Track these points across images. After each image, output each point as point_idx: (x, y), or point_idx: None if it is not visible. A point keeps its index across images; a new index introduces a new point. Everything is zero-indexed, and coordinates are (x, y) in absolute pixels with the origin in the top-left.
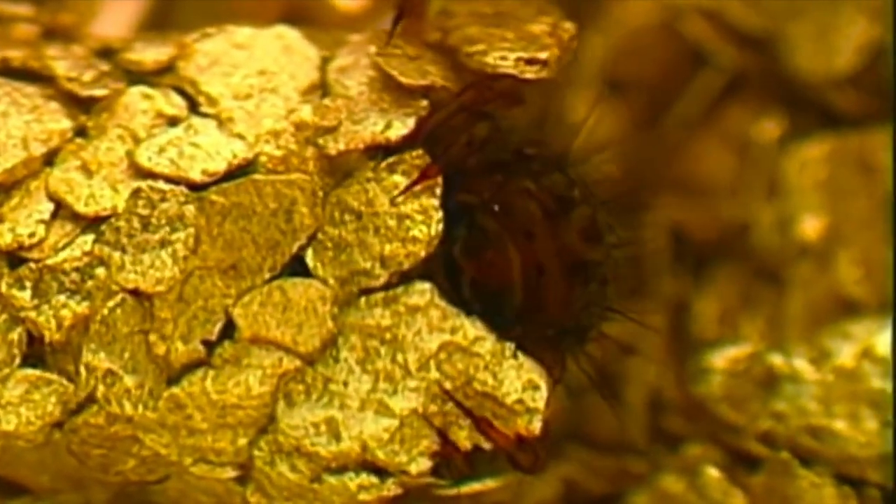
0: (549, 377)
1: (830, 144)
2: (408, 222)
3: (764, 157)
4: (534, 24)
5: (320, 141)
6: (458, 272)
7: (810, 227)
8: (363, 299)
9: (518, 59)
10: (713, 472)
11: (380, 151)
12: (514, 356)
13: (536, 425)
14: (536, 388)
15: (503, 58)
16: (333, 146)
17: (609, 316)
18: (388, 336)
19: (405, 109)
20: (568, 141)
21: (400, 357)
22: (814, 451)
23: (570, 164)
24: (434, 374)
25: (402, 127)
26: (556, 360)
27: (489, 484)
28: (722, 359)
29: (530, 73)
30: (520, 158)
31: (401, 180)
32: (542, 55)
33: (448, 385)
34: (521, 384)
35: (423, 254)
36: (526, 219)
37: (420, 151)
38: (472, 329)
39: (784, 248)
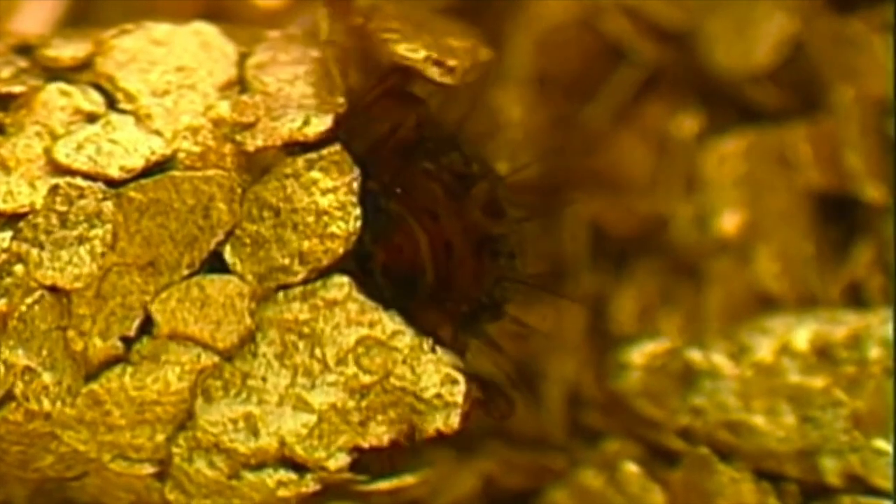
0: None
1: (749, 139)
2: (326, 218)
3: (682, 153)
4: (454, 39)
5: (238, 137)
6: (368, 259)
7: (729, 222)
8: (281, 294)
9: (427, 57)
10: (632, 468)
11: (298, 147)
12: (433, 350)
13: (455, 420)
14: (455, 382)
15: (414, 50)
16: (251, 143)
17: (522, 289)
18: (306, 330)
19: (324, 105)
20: (465, 121)
21: (318, 351)
22: (733, 447)
23: (465, 141)
24: (352, 369)
25: (320, 123)
26: (473, 339)
27: (407, 480)
28: (640, 354)
29: (434, 74)
30: (417, 140)
31: (319, 176)
32: (451, 62)
33: (366, 379)
34: (439, 378)
35: (341, 250)
36: (428, 199)
37: (338, 147)
38: (390, 323)
39: (703, 243)
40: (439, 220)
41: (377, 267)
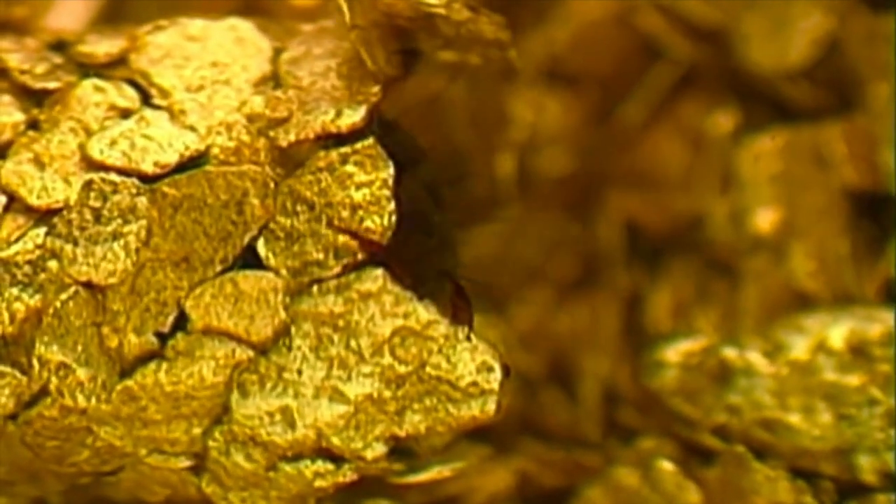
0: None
1: (784, 137)
2: (361, 213)
3: (718, 150)
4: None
5: (272, 133)
6: None
7: (764, 219)
8: (315, 287)
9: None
10: (667, 466)
11: (332, 140)
12: (468, 338)
13: (491, 407)
14: (490, 369)
15: None
16: (284, 137)
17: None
18: (341, 323)
19: (356, 97)
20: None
21: (353, 343)
22: (768, 445)
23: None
24: (388, 360)
25: (353, 115)
26: None
27: (443, 472)
28: (676, 352)
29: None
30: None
31: (353, 170)
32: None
33: (402, 369)
34: (475, 366)
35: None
36: None
37: (372, 141)
38: (424, 313)
39: (738, 241)
40: None
41: None
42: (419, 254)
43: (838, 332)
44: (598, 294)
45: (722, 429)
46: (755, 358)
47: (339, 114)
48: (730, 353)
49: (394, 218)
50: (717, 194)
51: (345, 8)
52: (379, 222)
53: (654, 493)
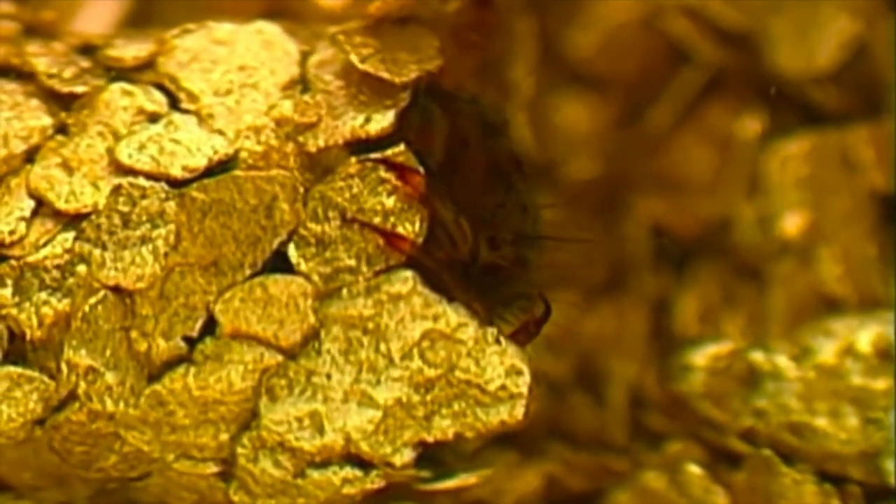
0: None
1: (811, 141)
2: (393, 219)
3: (745, 154)
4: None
5: (300, 138)
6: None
7: (791, 223)
8: (345, 290)
9: None
10: (695, 470)
11: (361, 145)
12: (497, 342)
13: (519, 411)
14: (519, 373)
15: None
16: (314, 143)
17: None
18: (370, 326)
19: (385, 101)
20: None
21: (383, 346)
22: (795, 449)
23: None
24: (417, 363)
25: (382, 120)
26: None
27: (470, 479)
28: (703, 356)
29: None
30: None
31: (385, 176)
32: None
33: (431, 373)
34: (503, 370)
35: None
36: (465, 125)
37: (403, 147)
38: (454, 316)
39: (765, 245)
40: (466, 133)
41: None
42: (500, 216)
43: (865, 336)
44: (625, 298)
45: (749, 432)
46: (782, 362)
47: (367, 119)
48: (757, 356)
49: (425, 224)
50: (744, 198)
51: None
52: (411, 229)
53: (681, 496)
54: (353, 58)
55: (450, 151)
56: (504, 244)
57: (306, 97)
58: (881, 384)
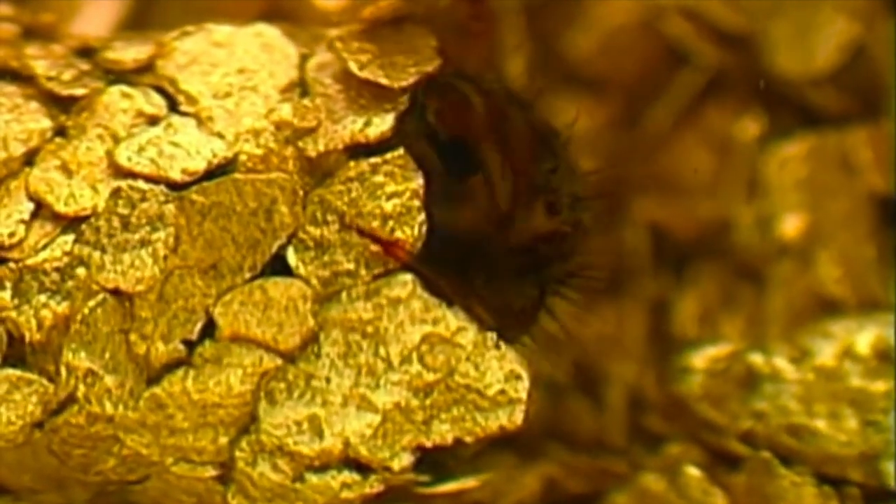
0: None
1: (810, 143)
2: (391, 223)
3: (744, 156)
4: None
5: (300, 143)
6: (421, 109)
7: (790, 225)
8: (344, 293)
9: None
10: (693, 472)
11: (361, 150)
12: (497, 346)
13: (519, 416)
14: (519, 377)
15: None
16: (313, 147)
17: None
18: (370, 329)
19: (384, 105)
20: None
21: (382, 350)
22: (794, 451)
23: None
24: (416, 367)
25: (381, 123)
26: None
27: (469, 483)
28: (702, 358)
29: None
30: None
31: (384, 181)
32: None
33: (430, 377)
34: (503, 374)
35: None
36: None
37: (402, 151)
38: (454, 320)
39: (764, 246)
40: (503, 107)
41: (430, 114)
42: (555, 180)
43: (865, 338)
44: (624, 300)
45: (748, 435)
46: (781, 364)
47: (367, 123)
48: (756, 359)
49: (424, 228)
50: (743, 200)
51: None
52: (410, 233)
53: (680, 499)
54: (352, 65)
55: (493, 126)
56: (564, 208)
57: (306, 101)
58: (880, 386)
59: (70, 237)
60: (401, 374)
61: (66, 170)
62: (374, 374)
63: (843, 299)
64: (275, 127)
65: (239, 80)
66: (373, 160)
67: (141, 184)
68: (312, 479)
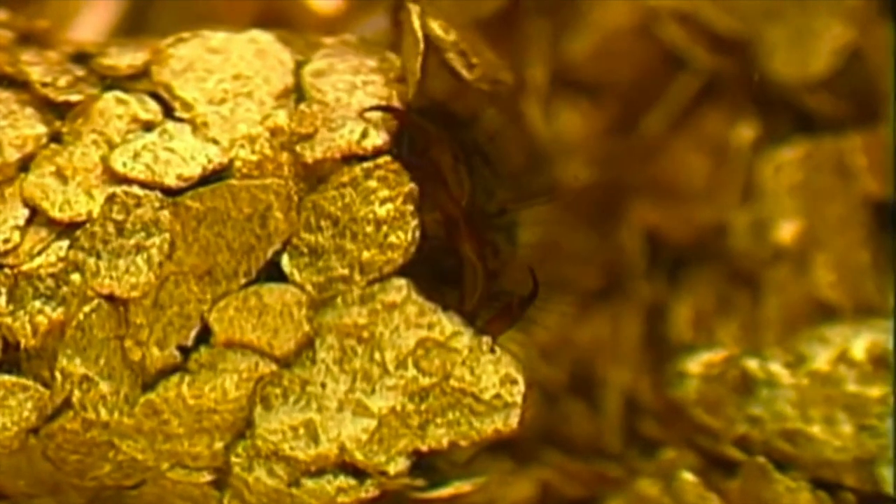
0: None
1: (806, 148)
2: (385, 228)
3: (739, 161)
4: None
5: (297, 149)
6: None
7: (786, 230)
8: (339, 298)
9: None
10: (689, 477)
11: (356, 157)
12: (492, 350)
13: (514, 420)
14: (514, 382)
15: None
16: (310, 154)
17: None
18: (365, 334)
19: (382, 116)
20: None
21: (377, 355)
22: (790, 456)
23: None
24: (412, 372)
25: (378, 136)
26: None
27: (464, 487)
28: (697, 363)
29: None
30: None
31: (376, 186)
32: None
33: (425, 382)
34: (498, 379)
35: (401, 260)
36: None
37: (391, 157)
38: (448, 325)
39: (759, 251)
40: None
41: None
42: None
43: (860, 343)
44: (619, 305)
45: (743, 440)
46: (777, 369)
47: (364, 134)
48: (751, 364)
49: (417, 233)
50: (738, 205)
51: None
52: (403, 237)
53: None
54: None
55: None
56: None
57: (303, 107)
58: (876, 391)
59: (65, 243)
60: (396, 379)
61: (61, 176)
62: (369, 378)
63: (838, 304)
64: (270, 133)
65: (234, 86)
66: (366, 165)
67: (136, 190)
68: (308, 483)
